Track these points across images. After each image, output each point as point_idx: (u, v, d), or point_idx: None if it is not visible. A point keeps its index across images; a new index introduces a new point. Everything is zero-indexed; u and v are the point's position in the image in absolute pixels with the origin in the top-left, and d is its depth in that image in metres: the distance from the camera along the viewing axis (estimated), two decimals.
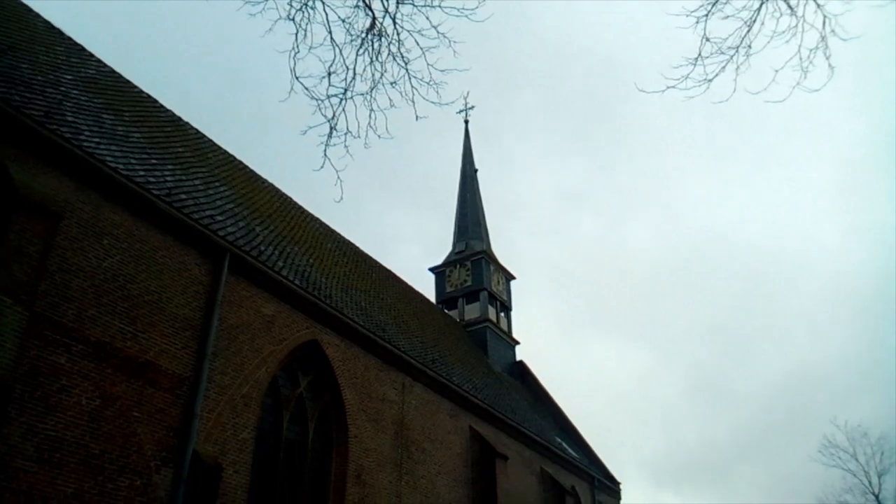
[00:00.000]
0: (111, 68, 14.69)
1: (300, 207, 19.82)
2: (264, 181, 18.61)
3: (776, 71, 6.53)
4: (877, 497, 32.88)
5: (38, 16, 13.82)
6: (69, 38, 14.04)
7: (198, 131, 16.62)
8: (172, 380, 10.08)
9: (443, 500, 15.89)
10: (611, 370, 79.24)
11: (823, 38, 6.16)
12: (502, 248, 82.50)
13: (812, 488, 57.03)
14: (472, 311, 28.34)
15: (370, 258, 22.54)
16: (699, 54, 6.45)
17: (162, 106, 15.83)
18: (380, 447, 14.30)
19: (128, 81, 15.00)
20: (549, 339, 79.94)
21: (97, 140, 10.71)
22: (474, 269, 29.22)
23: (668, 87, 6.61)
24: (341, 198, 7.56)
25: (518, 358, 29.47)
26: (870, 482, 33.26)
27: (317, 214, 20.71)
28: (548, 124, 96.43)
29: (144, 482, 9.11)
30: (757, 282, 79.65)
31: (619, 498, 26.70)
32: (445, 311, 28.44)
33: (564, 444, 24.42)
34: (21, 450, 7.84)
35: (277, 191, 19.02)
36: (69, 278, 9.03)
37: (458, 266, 29.68)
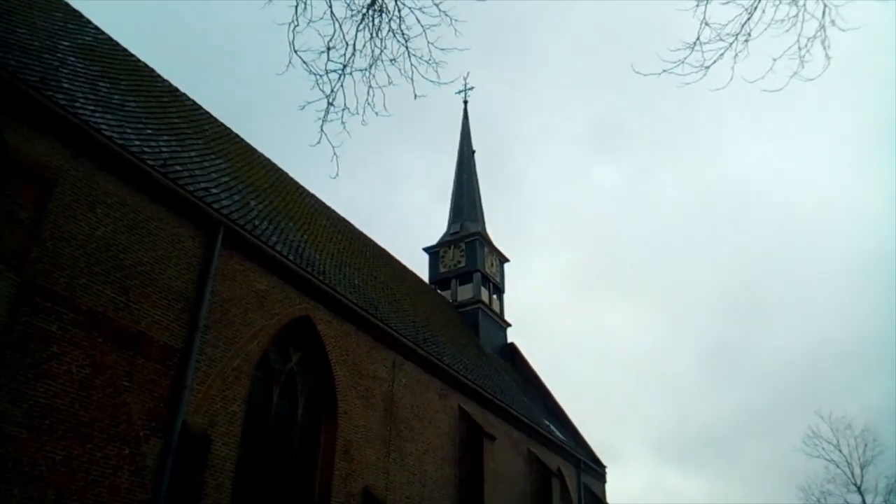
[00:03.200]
0: (108, 36, 14.53)
1: (296, 183, 19.75)
2: (260, 155, 18.52)
3: (774, 60, 6.50)
4: (859, 488, 33.30)
5: None
6: (67, 4, 13.86)
7: (194, 102, 16.50)
8: (163, 351, 10.10)
9: (430, 477, 16.04)
10: (620, 337, 77.83)
11: (822, 27, 6.14)
12: (504, 212, 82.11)
13: (795, 478, 57.66)
14: (464, 293, 28.39)
15: (364, 236, 22.52)
16: (697, 39, 6.41)
17: (159, 75, 15.69)
18: (369, 424, 14.39)
19: (125, 50, 14.85)
20: (557, 301, 79.61)
21: (92, 108, 10.62)
22: (468, 250, 29.24)
23: (663, 71, 6.57)
24: (337, 174, 7.52)
25: (509, 340, 29.61)
26: (852, 473, 33.66)
27: (312, 190, 20.67)
28: (567, 67, 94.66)
29: (133, 451, 9.16)
30: (781, 248, 76.38)
31: (604, 481, 27.00)
32: (438, 291, 28.48)
33: (552, 427, 24.62)
34: (10, 415, 7.86)
35: (273, 165, 18.93)
36: (61, 246, 9.00)
37: (452, 247, 29.69)
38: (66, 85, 10.48)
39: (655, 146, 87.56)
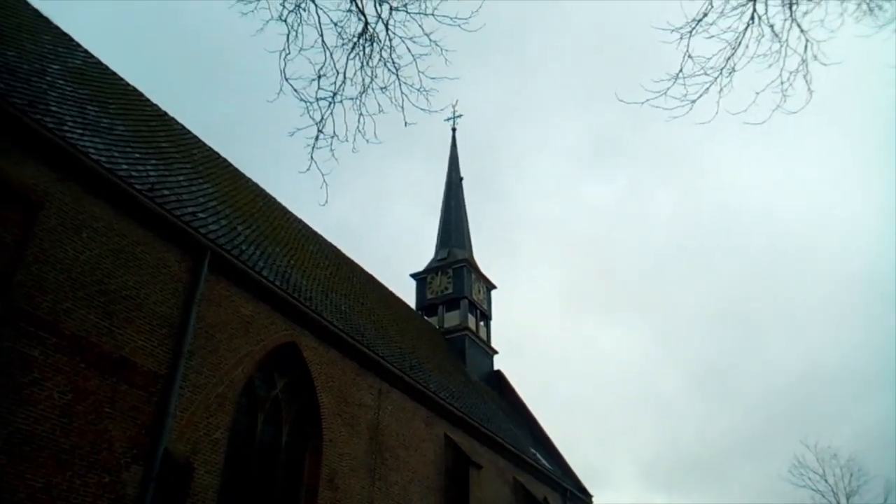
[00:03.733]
0: (98, 59, 14.56)
1: (283, 208, 19.74)
2: (248, 180, 18.51)
3: (757, 93, 6.62)
4: None
5: (26, 4, 13.68)
6: (57, 28, 13.89)
7: (183, 127, 16.51)
8: (147, 377, 9.96)
9: None
10: (611, 358, 77.11)
11: (805, 62, 6.27)
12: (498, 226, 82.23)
13: None
14: (451, 319, 28.34)
15: (352, 262, 22.48)
16: (680, 71, 6.51)
17: (147, 100, 15.70)
18: (354, 452, 14.22)
19: (114, 73, 14.87)
20: (547, 321, 79.31)
21: (80, 131, 10.60)
22: (456, 276, 29.24)
23: (646, 101, 6.66)
24: (326, 201, 7.54)
25: (496, 367, 29.50)
26: (838, 503, 33.59)
27: (300, 216, 20.66)
28: (559, 83, 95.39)
29: (114, 479, 8.98)
30: (774, 270, 75.90)
31: None
32: (425, 317, 28.41)
33: (538, 455, 24.44)
34: None
35: (261, 190, 18.92)
36: (46, 270, 8.91)
37: (439, 273, 29.68)
38: (54, 108, 10.46)
39: (649, 163, 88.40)
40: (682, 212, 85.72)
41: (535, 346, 75.23)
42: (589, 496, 26.94)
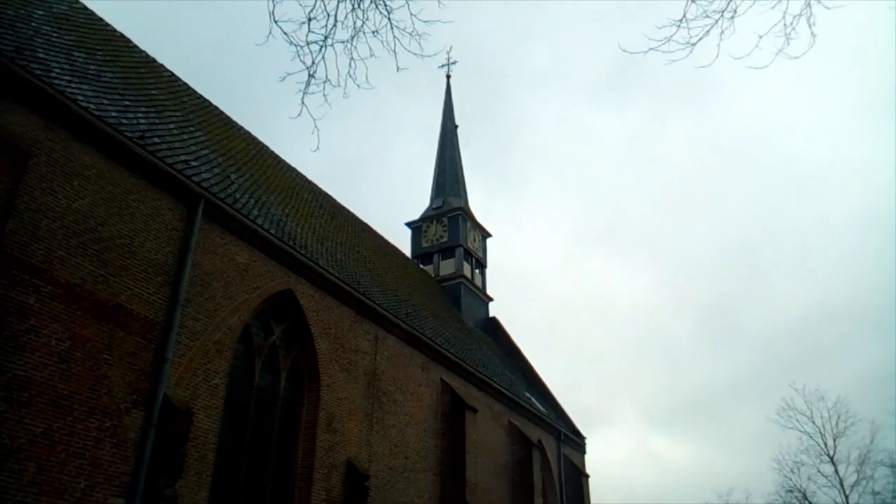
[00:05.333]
0: (84, 5, 14.22)
1: (276, 156, 19.59)
2: (240, 128, 18.31)
3: (760, 37, 6.51)
4: (832, 459, 34.09)
5: None
6: None
7: (172, 74, 16.24)
8: (144, 324, 10.04)
9: (412, 449, 16.19)
10: (616, 298, 77.68)
11: (808, 4, 6.15)
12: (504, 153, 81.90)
13: (769, 449, 58.68)
14: (447, 267, 28.48)
15: (347, 211, 22.44)
16: (684, 16, 6.39)
17: (136, 46, 15.40)
18: (351, 396, 14.46)
19: (101, 19, 14.54)
20: (552, 259, 79.32)
21: (68, 78, 10.42)
22: (451, 225, 29.26)
23: (650, 49, 6.57)
24: (318, 147, 7.49)
25: (492, 314, 29.78)
26: (825, 444, 34.43)
27: (294, 164, 20.51)
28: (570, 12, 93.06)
29: (114, 423, 9.14)
30: (782, 209, 75.62)
31: (584, 451, 27.41)
32: (421, 265, 28.54)
33: (533, 399, 24.90)
34: None
35: (253, 138, 18.75)
36: (38, 218, 8.88)
37: (434, 222, 29.70)
38: (40, 55, 10.27)
39: (663, 96, 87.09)
40: (690, 149, 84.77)
41: (538, 291, 75.68)
42: (582, 438, 27.55)
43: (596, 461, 67.43)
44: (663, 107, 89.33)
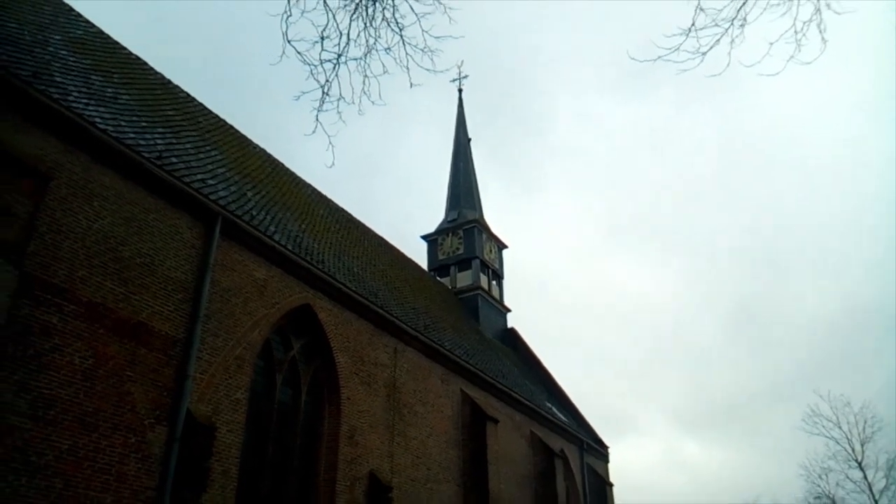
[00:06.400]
0: (99, 29, 14.50)
1: (292, 173, 19.76)
2: (255, 146, 18.51)
3: (770, 44, 6.51)
4: (860, 464, 33.52)
5: None
6: None
7: (188, 94, 16.48)
8: (165, 341, 10.15)
9: (434, 460, 16.15)
10: (638, 304, 76.25)
11: (818, 10, 6.15)
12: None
13: (798, 455, 57.66)
14: (463, 279, 28.47)
15: (363, 225, 22.55)
16: (692, 24, 6.41)
17: (151, 68, 15.66)
18: (372, 409, 14.48)
19: (116, 43, 14.81)
20: (570, 259, 78.02)
21: (86, 101, 10.62)
22: (466, 237, 29.30)
23: (659, 58, 6.59)
24: (333, 163, 7.58)
25: (510, 325, 29.71)
26: (853, 449, 33.86)
27: (309, 181, 20.69)
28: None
29: (139, 440, 9.23)
30: (810, 209, 73.50)
31: (607, 461, 27.17)
32: (437, 278, 28.57)
33: (554, 409, 24.75)
34: (15, 407, 7.92)
35: (269, 156, 18.93)
36: (59, 239, 9.03)
37: (450, 234, 29.75)
38: (58, 79, 10.48)
39: (678, 92, 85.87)
40: (714, 144, 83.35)
41: (558, 298, 75.14)
42: (605, 447, 27.32)
43: (623, 469, 66.61)
44: (680, 102, 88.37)
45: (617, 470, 27.29)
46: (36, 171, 8.84)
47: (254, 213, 13.27)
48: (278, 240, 13.10)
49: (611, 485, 26.36)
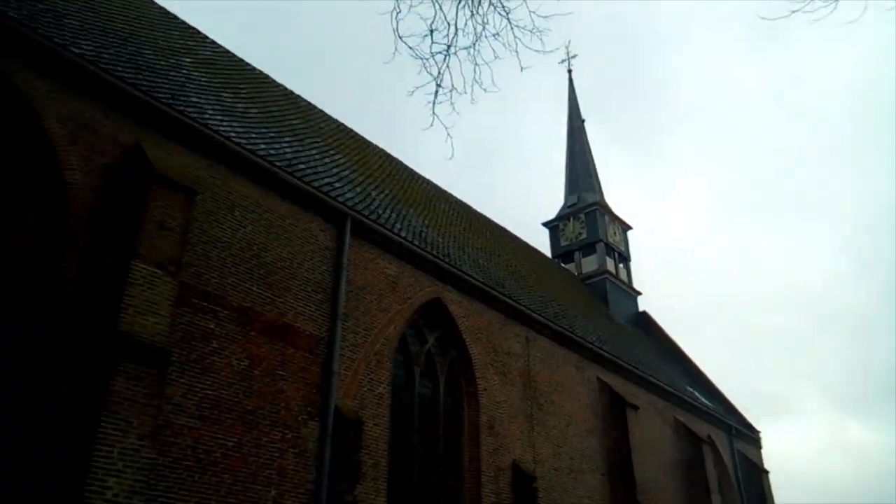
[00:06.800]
0: (225, 48, 15.30)
1: (410, 170, 20.05)
2: (375, 146, 18.92)
3: None
4: None
5: (152, 2, 14.53)
6: (183, 22, 14.70)
7: (309, 103, 17.08)
8: (310, 340, 10.53)
9: (576, 449, 15.86)
10: (787, 276, 71.56)
11: None
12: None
13: None
14: (589, 264, 27.86)
15: (483, 216, 22.55)
16: None
17: (273, 81, 16.35)
18: (509, 399, 14.42)
19: (241, 60, 15.58)
20: (703, 236, 74.12)
21: (220, 118, 11.20)
22: (588, 221, 28.65)
23: (792, 12, 6.04)
24: (452, 155, 7.57)
25: (641, 309, 28.78)
26: None
27: (427, 176, 20.92)
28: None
29: (294, 435, 9.64)
30: None
31: (759, 446, 25.72)
32: (562, 265, 28.12)
33: (696, 394, 23.72)
34: (184, 408, 8.46)
35: (388, 155, 19.30)
36: (209, 249, 9.56)
37: (571, 219, 29.21)
38: (194, 99, 11.10)
39: (816, 37, 80.00)
40: (854, 99, 76.88)
41: (691, 279, 71.84)
42: (756, 432, 25.89)
43: (779, 454, 62.71)
44: (813, 56, 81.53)
45: (772, 456, 25.70)
46: (183, 186, 9.38)
47: (379, 211, 13.54)
48: (405, 236, 13.30)
49: (766, 472, 24.91)
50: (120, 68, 9.61)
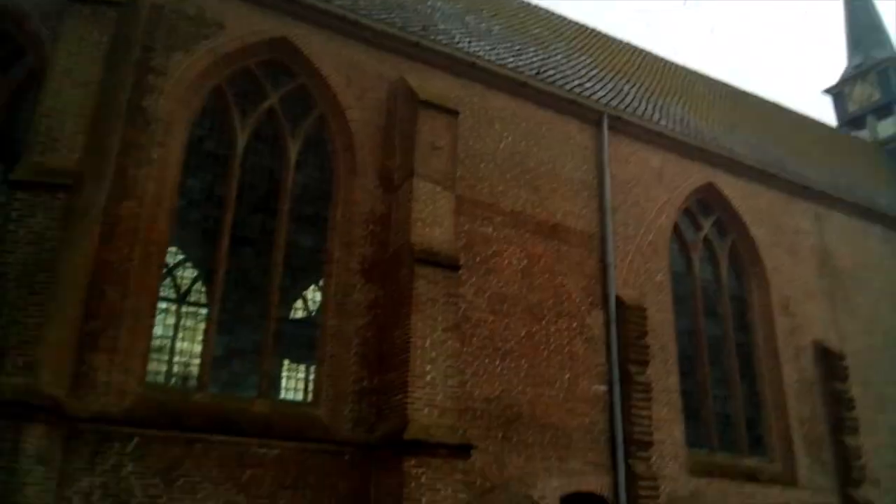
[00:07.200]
0: None
1: (661, 59, 19.05)
2: (620, 42, 18.30)
3: None
4: None
5: None
6: None
7: (547, 10, 17.04)
8: (581, 237, 10.92)
9: (891, 326, 14.37)
10: None
11: None
12: None
13: None
14: (886, 128, 24.20)
15: (749, 94, 20.74)
16: None
17: None
18: (803, 277, 13.49)
19: None
20: None
21: (468, 40, 11.79)
22: (880, 79, 24.74)
23: None
24: (713, 28, 7.18)
25: None
26: None
27: (680, 62, 19.74)
28: None
29: (580, 323, 10.21)
30: None
31: None
32: (852, 134, 24.86)
33: None
34: (476, 305, 9.43)
35: (635, 48, 18.54)
36: (476, 162, 10.31)
37: (858, 81, 25.50)
38: (442, 27, 11.80)
39: None
40: None
41: None
42: None
43: None
44: None
45: None
46: (446, 108, 10.16)
47: (634, 104, 13.27)
48: (665, 125, 12.90)
49: None
50: (374, 11, 10.58)
